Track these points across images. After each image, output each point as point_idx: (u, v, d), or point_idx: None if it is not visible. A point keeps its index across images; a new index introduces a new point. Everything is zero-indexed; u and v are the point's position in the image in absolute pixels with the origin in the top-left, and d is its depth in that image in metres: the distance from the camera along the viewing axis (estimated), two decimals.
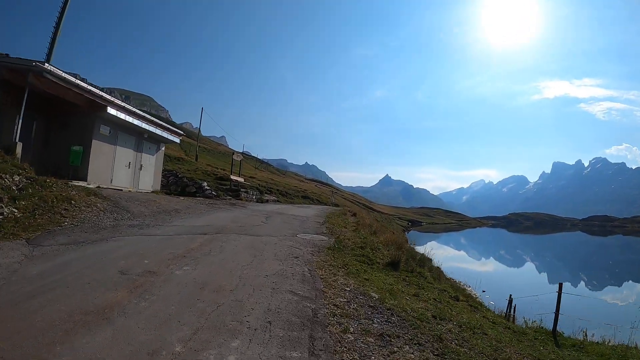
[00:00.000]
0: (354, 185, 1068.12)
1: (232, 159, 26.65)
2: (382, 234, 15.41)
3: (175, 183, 23.21)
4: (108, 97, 15.84)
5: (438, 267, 13.35)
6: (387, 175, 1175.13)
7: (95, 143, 15.88)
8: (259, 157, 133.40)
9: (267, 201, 27.74)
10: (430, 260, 13.26)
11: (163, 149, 21.65)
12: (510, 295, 11.99)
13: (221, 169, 47.95)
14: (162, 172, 23.79)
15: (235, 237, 8.71)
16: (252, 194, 27.05)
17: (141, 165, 19.10)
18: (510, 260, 41.50)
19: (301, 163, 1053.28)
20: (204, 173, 29.34)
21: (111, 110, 15.79)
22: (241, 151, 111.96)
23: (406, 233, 51.47)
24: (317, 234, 11.34)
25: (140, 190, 18.71)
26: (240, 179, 26.87)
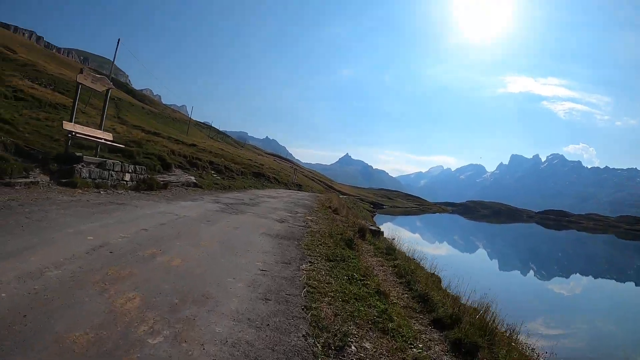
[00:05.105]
0: (313, 162, 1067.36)
1: (77, 83, 10.93)
2: None
3: None
4: None
5: None
6: (347, 154, 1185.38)
7: None
8: (217, 127, 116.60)
9: (164, 186, 12.64)
10: None
11: None
12: None
13: (125, 126, 32.14)
14: None
15: None
16: (126, 170, 11.71)
17: None
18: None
19: (262, 137, 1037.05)
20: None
21: None
22: (194, 119, 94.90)
23: (373, 217, 47.09)
24: None
25: None
26: (101, 135, 11.66)
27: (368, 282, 5.50)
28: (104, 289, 3.58)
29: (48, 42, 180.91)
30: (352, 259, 6.73)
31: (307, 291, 4.36)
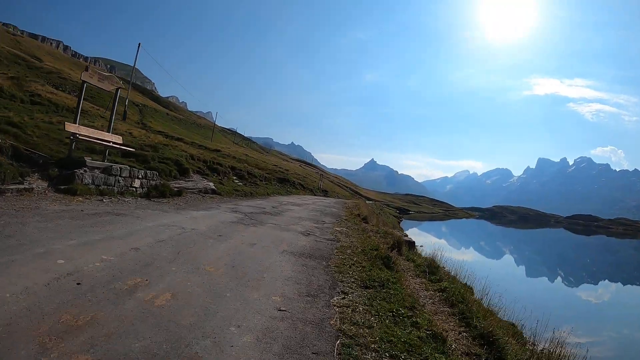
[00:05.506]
0: (338, 168, 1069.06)
1: (82, 81, 10.02)
2: None
3: None
4: None
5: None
6: (372, 159, 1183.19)
7: None
8: (242, 134, 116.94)
9: (178, 193, 11.56)
10: None
11: None
12: None
13: (142, 129, 31.82)
14: None
15: None
16: (135, 175, 10.72)
17: None
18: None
19: (287, 143, 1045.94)
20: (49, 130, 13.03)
21: None
22: (219, 125, 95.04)
23: (399, 223, 46.47)
24: None
25: None
26: (109, 137, 10.68)
27: (418, 320, 4.20)
28: (45, 348, 2.41)
29: (75, 51, 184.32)
30: (393, 283, 5.45)
31: (342, 344, 3.08)
